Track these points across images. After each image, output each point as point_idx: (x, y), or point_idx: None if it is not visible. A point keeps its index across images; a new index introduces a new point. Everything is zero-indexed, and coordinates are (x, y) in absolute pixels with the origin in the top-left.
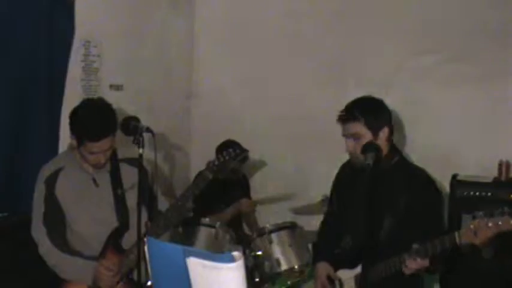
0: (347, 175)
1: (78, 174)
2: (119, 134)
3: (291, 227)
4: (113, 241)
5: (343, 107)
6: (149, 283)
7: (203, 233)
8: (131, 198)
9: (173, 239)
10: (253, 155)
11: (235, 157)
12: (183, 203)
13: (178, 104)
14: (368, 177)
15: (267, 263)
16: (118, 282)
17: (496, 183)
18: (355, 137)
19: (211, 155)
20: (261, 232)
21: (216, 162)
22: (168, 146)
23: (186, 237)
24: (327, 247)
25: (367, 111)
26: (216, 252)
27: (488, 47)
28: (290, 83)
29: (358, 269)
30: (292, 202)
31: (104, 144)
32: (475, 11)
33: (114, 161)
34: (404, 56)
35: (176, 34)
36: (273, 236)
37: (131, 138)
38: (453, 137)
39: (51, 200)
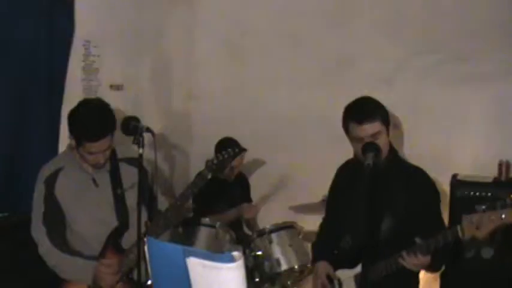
0: (346, 175)
1: (77, 174)
2: (119, 133)
3: (291, 227)
4: (113, 241)
5: (342, 107)
6: (149, 282)
7: (203, 233)
8: (131, 198)
9: (173, 239)
10: (253, 155)
11: (234, 156)
12: (182, 202)
13: (178, 104)
14: (368, 177)
15: (267, 263)
16: (118, 282)
17: (496, 183)
18: (375, 136)
19: (211, 155)
20: (261, 232)
21: (215, 161)
22: (168, 146)
23: (186, 237)
24: (327, 247)
25: (381, 109)
26: (216, 252)
27: (488, 47)
28: (290, 83)
29: (358, 269)
30: (292, 202)
31: (103, 144)
32: (475, 11)
33: (114, 160)
34: (404, 56)
35: (176, 34)
36: (273, 236)
37: (131, 138)
38: (453, 137)
39: (51, 200)
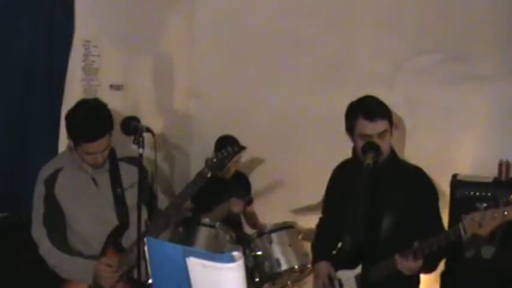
0: (344, 175)
1: (77, 174)
2: (119, 133)
3: (291, 227)
4: (113, 240)
5: (342, 107)
6: (150, 281)
7: (203, 233)
8: (131, 197)
9: (173, 239)
10: (253, 155)
11: (234, 154)
12: (182, 201)
13: (179, 104)
14: (368, 177)
15: (267, 263)
16: (118, 281)
17: (496, 183)
18: (383, 134)
19: (211, 155)
20: (261, 232)
21: (215, 160)
22: (168, 146)
23: (186, 237)
24: (327, 247)
25: (387, 108)
26: (216, 252)
27: (488, 47)
28: (290, 82)
29: (358, 269)
30: (291, 202)
31: (100, 144)
32: (475, 11)
33: (113, 160)
34: (404, 56)
35: (176, 34)
36: (273, 236)
37: (131, 138)
38: (453, 137)
39: (50, 200)
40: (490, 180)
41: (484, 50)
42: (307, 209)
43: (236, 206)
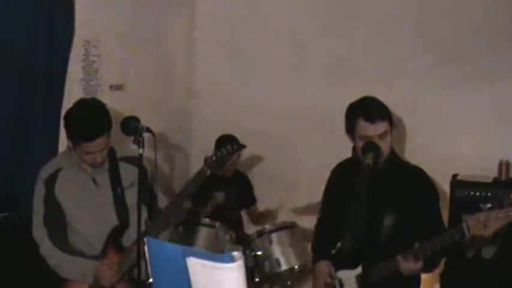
0: (343, 176)
1: (77, 174)
2: (119, 133)
3: (291, 227)
4: (114, 239)
5: (342, 107)
6: (150, 280)
7: (203, 233)
8: (131, 197)
9: (173, 239)
10: (253, 154)
11: (233, 152)
12: (182, 199)
13: (178, 104)
14: (368, 177)
15: (267, 263)
16: (119, 281)
17: (496, 183)
18: (384, 136)
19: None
20: (261, 232)
21: (214, 158)
22: (168, 146)
23: (186, 237)
24: (327, 246)
25: (387, 109)
26: (216, 252)
27: (488, 47)
28: (290, 82)
29: (359, 269)
30: (291, 202)
31: (99, 143)
32: (475, 11)
33: (113, 160)
34: (404, 56)
35: (176, 34)
36: (273, 236)
37: (131, 138)
38: (453, 137)
39: (50, 200)
40: (490, 180)
41: (484, 50)
42: (307, 209)
43: (221, 197)
